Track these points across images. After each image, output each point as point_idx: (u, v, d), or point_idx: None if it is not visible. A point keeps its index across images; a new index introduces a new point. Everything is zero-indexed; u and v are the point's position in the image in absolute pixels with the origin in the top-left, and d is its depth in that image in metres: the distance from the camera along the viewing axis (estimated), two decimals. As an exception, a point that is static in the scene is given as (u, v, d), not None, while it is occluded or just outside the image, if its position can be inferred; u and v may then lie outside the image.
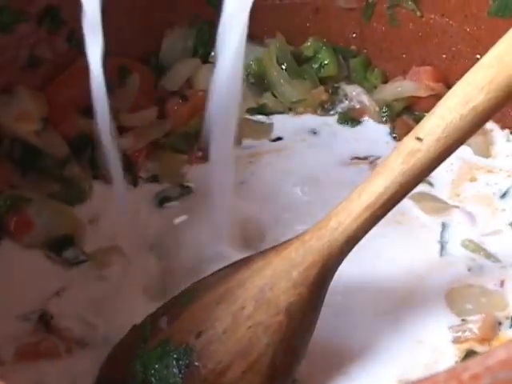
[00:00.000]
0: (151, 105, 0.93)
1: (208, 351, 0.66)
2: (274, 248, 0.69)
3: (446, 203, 0.87)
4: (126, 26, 0.93)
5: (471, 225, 0.86)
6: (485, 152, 0.91)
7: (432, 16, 0.92)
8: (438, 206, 0.87)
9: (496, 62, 0.62)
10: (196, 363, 0.65)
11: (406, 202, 0.76)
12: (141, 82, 0.92)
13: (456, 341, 0.76)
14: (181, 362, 0.65)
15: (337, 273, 0.69)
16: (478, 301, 0.79)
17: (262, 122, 0.94)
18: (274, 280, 0.66)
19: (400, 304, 0.79)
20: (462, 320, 0.78)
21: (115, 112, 0.89)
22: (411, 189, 0.65)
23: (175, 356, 0.66)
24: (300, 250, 0.66)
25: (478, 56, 0.70)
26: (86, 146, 0.89)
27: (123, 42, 0.92)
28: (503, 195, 0.88)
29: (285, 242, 0.68)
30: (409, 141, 0.64)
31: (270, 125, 0.94)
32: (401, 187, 0.64)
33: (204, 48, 0.96)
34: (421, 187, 0.75)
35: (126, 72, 0.92)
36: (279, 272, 0.66)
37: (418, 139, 0.63)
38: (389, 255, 0.82)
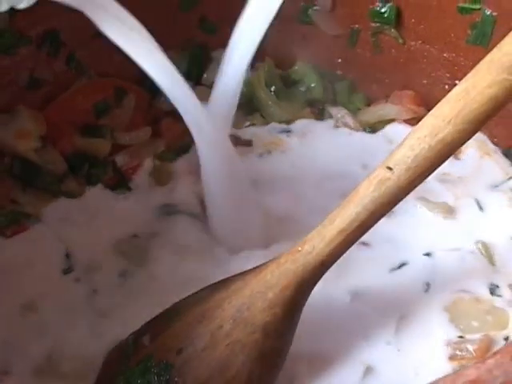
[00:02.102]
0: (146, 124, 0.95)
1: (188, 367, 0.67)
2: (251, 270, 0.70)
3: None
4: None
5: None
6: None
7: (413, 43, 0.93)
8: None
9: (463, 95, 0.63)
10: (176, 379, 0.67)
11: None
12: (136, 103, 0.94)
13: (452, 358, 0.76)
14: (161, 378, 0.67)
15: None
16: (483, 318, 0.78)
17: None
18: (251, 300, 0.67)
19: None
20: (460, 337, 0.77)
21: (112, 130, 0.92)
22: (382, 215, 0.67)
23: (156, 371, 0.67)
24: (275, 272, 0.67)
25: (457, 81, 0.71)
26: (82, 162, 0.91)
27: (120, 64, 0.91)
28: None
29: (262, 265, 0.70)
30: (380, 170, 0.65)
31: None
32: (371, 214, 0.65)
33: (196, 70, 0.98)
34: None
35: (122, 93, 0.94)
36: (256, 293, 0.67)
37: (389, 168, 0.65)
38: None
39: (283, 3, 0.76)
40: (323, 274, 0.68)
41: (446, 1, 0.88)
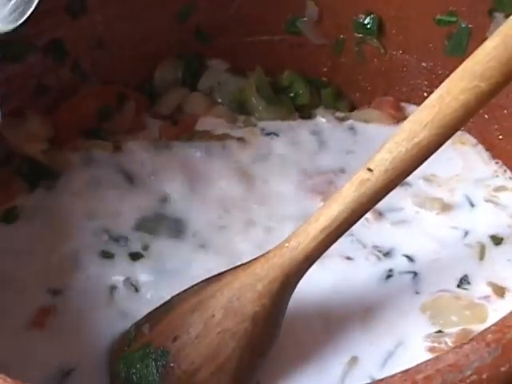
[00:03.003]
0: (146, 127, 0.98)
1: (182, 354, 0.71)
2: (242, 265, 0.74)
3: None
4: (124, 58, 0.99)
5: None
6: None
7: (394, 53, 0.96)
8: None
9: (438, 101, 0.66)
10: (171, 364, 0.71)
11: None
12: (137, 107, 0.98)
13: (431, 350, 0.77)
14: (158, 363, 0.70)
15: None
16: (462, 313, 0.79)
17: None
18: (241, 292, 0.71)
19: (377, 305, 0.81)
20: (439, 331, 0.78)
21: (114, 133, 0.96)
22: (363, 214, 0.70)
23: (154, 357, 0.71)
24: (264, 265, 0.71)
25: (434, 89, 0.74)
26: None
27: (121, 72, 0.98)
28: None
29: (252, 260, 0.74)
30: (361, 171, 0.69)
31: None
32: (353, 212, 0.69)
33: (191, 78, 1.01)
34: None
35: (123, 98, 0.98)
36: (246, 285, 0.71)
37: (369, 170, 0.68)
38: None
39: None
40: (308, 268, 0.72)
41: (424, 13, 0.92)
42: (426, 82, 0.96)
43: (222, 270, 0.75)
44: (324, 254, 0.72)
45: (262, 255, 0.73)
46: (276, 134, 0.97)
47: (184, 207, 0.89)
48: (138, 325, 0.76)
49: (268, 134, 0.97)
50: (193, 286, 0.76)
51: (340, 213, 0.69)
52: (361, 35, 0.97)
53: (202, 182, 0.91)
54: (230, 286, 0.72)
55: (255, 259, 0.73)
